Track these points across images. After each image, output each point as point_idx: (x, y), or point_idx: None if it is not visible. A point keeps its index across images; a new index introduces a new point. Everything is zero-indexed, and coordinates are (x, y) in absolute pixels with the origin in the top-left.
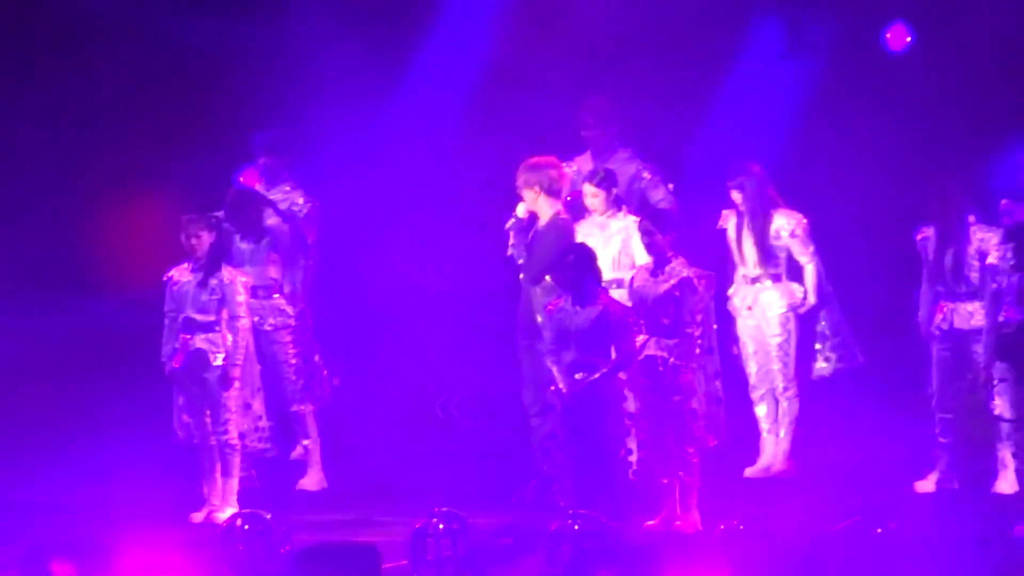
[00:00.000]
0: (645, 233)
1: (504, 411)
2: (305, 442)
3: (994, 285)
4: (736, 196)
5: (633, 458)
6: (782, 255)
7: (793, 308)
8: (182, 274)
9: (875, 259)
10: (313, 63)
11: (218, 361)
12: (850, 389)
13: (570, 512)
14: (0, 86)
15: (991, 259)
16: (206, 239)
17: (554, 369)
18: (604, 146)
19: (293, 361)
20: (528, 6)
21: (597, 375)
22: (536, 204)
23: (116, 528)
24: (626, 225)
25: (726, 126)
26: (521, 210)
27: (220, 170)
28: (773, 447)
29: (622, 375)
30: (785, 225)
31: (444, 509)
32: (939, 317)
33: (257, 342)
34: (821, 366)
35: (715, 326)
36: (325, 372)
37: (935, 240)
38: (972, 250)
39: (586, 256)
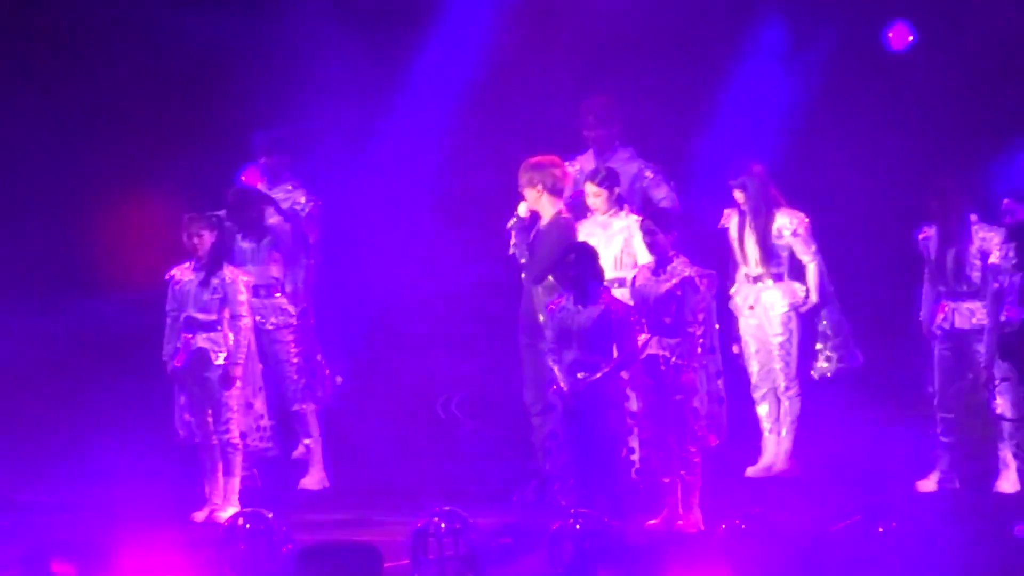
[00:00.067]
0: (647, 232)
1: (504, 411)
2: (307, 441)
3: (996, 285)
4: (738, 195)
5: (636, 457)
6: (784, 254)
7: (795, 307)
8: (184, 273)
9: (876, 258)
10: (314, 63)
11: (220, 360)
12: (851, 389)
13: (571, 511)
14: (0, 86)
15: (993, 258)
16: (208, 238)
17: (555, 368)
18: (606, 145)
19: (295, 360)
20: (528, 6)
21: (599, 375)
22: (538, 203)
23: (116, 528)
24: (628, 224)
25: (728, 125)
26: (523, 209)
27: (222, 169)
28: (775, 447)
29: (624, 374)
30: (787, 224)
31: (445, 508)
32: (940, 317)
33: (259, 341)
34: (822, 366)
35: (717, 325)
36: (327, 371)
37: (936, 239)
38: (974, 249)
39: (588, 255)
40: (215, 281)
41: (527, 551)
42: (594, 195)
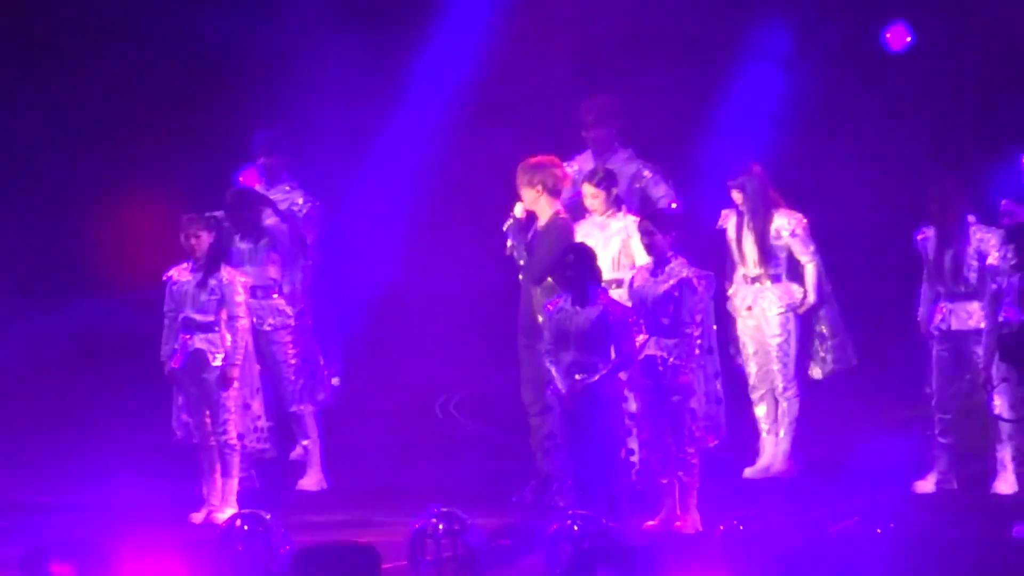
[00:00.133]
0: (645, 233)
1: (503, 412)
2: (305, 442)
3: (994, 286)
4: (736, 196)
5: (635, 458)
6: (782, 255)
7: (793, 308)
8: (181, 274)
9: (875, 259)
10: (313, 62)
11: (217, 361)
12: (850, 389)
13: (570, 512)
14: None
15: (991, 259)
16: (205, 239)
17: (553, 370)
18: (605, 146)
19: (292, 361)
20: (527, 6)
21: (597, 376)
22: (536, 204)
23: (115, 529)
24: (626, 225)
25: (726, 126)
26: (519, 210)
27: (219, 170)
28: (773, 447)
29: (622, 375)
30: (785, 225)
31: (443, 509)
32: (938, 317)
33: (256, 342)
34: (819, 367)
35: (715, 326)
36: (325, 372)
37: (935, 240)
38: (972, 250)
39: (586, 256)
40: (212, 282)
41: (525, 552)
42: (592, 196)
